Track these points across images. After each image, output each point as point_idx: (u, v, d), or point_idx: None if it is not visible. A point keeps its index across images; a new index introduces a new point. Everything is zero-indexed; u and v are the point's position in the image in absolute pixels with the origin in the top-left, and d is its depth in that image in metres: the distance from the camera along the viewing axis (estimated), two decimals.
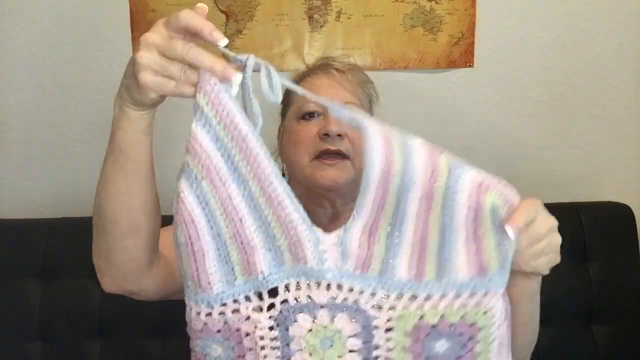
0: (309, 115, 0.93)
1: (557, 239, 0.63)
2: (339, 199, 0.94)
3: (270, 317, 0.60)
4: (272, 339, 0.60)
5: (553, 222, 0.62)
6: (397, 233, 0.59)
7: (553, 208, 0.63)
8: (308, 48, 1.35)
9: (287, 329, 0.60)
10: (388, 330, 0.59)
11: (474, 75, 1.38)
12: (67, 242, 1.26)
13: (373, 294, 0.59)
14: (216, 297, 0.60)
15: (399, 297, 0.59)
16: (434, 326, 0.58)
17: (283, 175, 1.02)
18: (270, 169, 0.59)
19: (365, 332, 0.59)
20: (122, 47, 1.35)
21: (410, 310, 0.58)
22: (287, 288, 0.60)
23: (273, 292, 0.60)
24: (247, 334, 0.60)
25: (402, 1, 1.34)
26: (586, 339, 1.23)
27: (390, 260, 0.59)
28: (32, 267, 1.25)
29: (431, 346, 0.59)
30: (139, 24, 1.34)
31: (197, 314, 0.62)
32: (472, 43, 1.36)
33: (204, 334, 0.62)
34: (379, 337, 0.59)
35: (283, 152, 1.00)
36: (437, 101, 1.39)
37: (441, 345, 0.59)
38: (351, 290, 0.59)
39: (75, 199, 1.41)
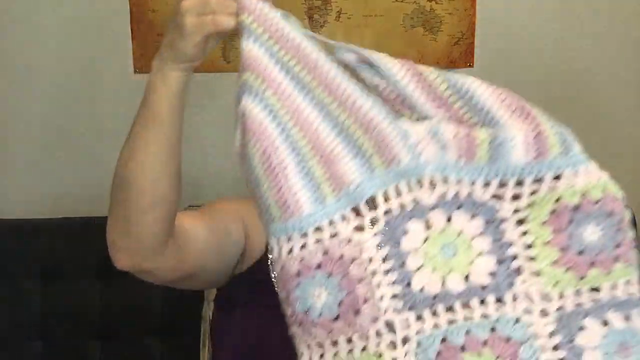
0: None
1: None
2: None
3: (375, 235, 0.49)
4: (383, 260, 0.49)
5: None
6: (491, 116, 0.50)
7: None
8: None
9: (398, 244, 0.49)
10: (520, 222, 0.48)
11: (474, 75, 1.37)
12: (67, 242, 1.26)
13: (487, 184, 0.49)
14: (308, 219, 0.49)
15: (520, 182, 0.48)
16: (576, 207, 0.48)
17: None
18: (334, 70, 0.51)
19: (492, 227, 0.48)
20: (122, 47, 1.35)
21: (540, 194, 0.48)
22: (386, 196, 0.49)
23: (371, 205, 0.50)
24: (353, 260, 0.49)
25: (402, 1, 1.34)
26: None
27: (499, 142, 0.49)
28: (32, 267, 1.25)
29: (579, 235, 0.48)
30: (139, 24, 1.34)
31: (288, 252, 0.50)
32: (472, 43, 1.36)
33: (303, 276, 0.49)
34: (510, 231, 0.48)
35: None
36: None
37: (592, 232, 0.48)
38: (459, 182, 0.49)
39: (75, 199, 1.41)
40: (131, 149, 0.71)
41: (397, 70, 0.52)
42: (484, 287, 0.47)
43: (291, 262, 0.50)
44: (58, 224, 1.29)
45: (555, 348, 0.47)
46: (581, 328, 0.47)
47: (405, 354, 0.48)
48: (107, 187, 1.46)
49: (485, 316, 0.47)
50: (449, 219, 0.48)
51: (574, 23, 1.37)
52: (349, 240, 0.49)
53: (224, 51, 1.35)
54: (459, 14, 1.34)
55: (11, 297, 1.24)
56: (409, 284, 0.48)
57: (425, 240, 0.48)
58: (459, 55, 1.36)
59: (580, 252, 0.47)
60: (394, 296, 0.48)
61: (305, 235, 0.50)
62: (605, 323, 0.47)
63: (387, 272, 0.48)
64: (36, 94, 1.37)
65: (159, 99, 0.69)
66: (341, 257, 0.49)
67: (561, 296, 0.47)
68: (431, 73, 0.53)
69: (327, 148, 0.50)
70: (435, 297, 0.47)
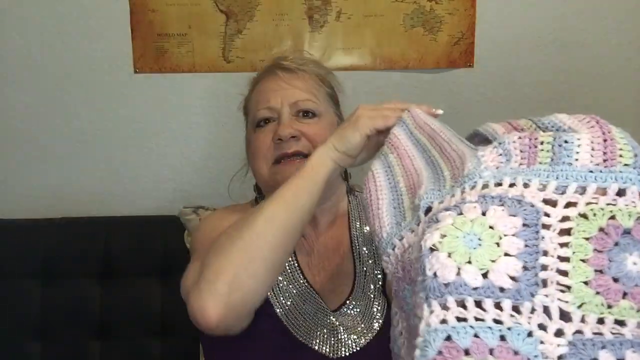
0: (264, 122, 0.91)
1: None
2: None
3: (419, 233, 0.50)
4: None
5: None
6: (557, 121, 0.48)
7: None
8: (308, 48, 1.35)
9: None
10: (564, 232, 0.44)
11: (474, 75, 1.38)
12: (67, 242, 1.26)
13: (543, 187, 0.45)
14: (387, 239, 0.54)
15: (582, 190, 0.45)
16: (627, 231, 0.43)
17: (256, 187, 1.00)
18: (446, 131, 0.62)
19: (529, 231, 0.44)
20: (122, 47, 1.35)
21: (597, 206, 0.44)
22: (440, 201, 0.50)
23: (427, 212, 0.51)
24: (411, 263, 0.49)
25: (402, 1, 1.34)
26: None
27: (564, 144, 0.46)
28: (32, 267, 1.25)
29: (620, 262, 0.43)
30: (139, 24, 1.34)
31: (392, 260, 0.54)
32: (472, 43, 1.36)
33: (399, 283, 0.52)
34: (549, 239, 0.43)
35: (249, 163, 0.98)
36: (437, 101, 1.39)
37: (632, 262, 0.43)
38: (512, 185, 0.46)
39: (75, 199, 1.41)
40: (292, 202, 0.74)
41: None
42: (502, 290, 0.42)
43: (395, 270, 0.54)
44: (58, 224, 1.29)
45: None
46: (594, 359, 0.42)
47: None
48: (107, 187, 1.47)
49: (497, 321, 0.42)
50: (484, 213, 0.44)
51: (574, 23, 1.37)
52: (409, 247, 0.51)
53: (224, 51, 1.35)
54: (459, 14, 1.34)
55: (11, 297, 1.24)
56: (424, 272, 0.44)
57: (452, 223, 0.44)
58: (459, 55, 1.36)
59: (616, 279, 0.43)
60: (411, 281, 0.46)
61: (386, 253, 0.54)
62: None
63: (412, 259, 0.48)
64: (36, 94, 1.37)
65: (314, 173, 0.75)
66: (408, 267, 0.49)
67: (583, 320, 0.43)
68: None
69: (417, 178, 0.57)
70: (446, 286, 0.42)
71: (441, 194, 0.51)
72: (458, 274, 0.42)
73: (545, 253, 0.43)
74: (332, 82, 0.99)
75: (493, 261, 0.42)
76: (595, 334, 0.42)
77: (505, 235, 0.43)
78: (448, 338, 0.41)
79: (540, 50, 1.37)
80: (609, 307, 0.42)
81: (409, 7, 1.34)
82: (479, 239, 0.43)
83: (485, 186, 0.47)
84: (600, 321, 0.42)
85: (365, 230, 0.95)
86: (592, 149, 0.46)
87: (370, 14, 1.35)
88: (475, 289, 0.42)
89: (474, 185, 0.47)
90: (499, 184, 0.46)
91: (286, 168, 0.87)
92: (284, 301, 0.87)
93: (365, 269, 0.91)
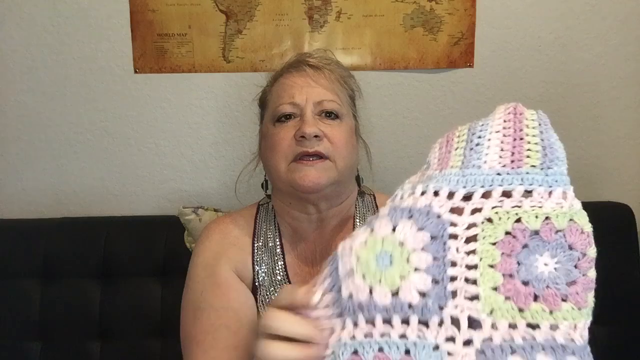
0: (285, 118, 0.90)
1: None
2: (324, 202, 0.91)
3: None
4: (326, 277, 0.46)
5: None
6: (480, 121, 0.48)
7: None
8: (308, 48, 1.35)
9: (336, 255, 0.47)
10: (470, 239, 0.43)
11: (474, 75, 1.38)
12: (67, 242, 1.26)
13: (451, 195, 0.44)
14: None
15: (487, 193, 0.44)
16: (534, 232, 0.42)
17: (265, 182, 1.01)
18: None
19: (437, 243, 0.43)
20: (122, 47, 1.35)
21: (502, 210, 0.43)
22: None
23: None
24: None
25: (402, 1, 1.34)
26: None
27: (475, 147, 0.46)
28: (32, 267, 1.25)
29: (529, 264, 0.42)
30: (139, 24, 1.34)
31: None
32: (472, 43, 1.36)
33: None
34: (455, 250, 0.43)
35: (262, 157, 0.96)
36: (437, 101, 1.39)
37: (543, 264, 0.42)
38: (423, 193, 0.45)
39: (75, 199, 1.41)
40: None
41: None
42: (410, 306, 0.43)
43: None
44: (58, 224, 1.29)
45: None
46: None
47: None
48: (107, 187, 1.47)
49: (403, 336, 0.43)
50: (394, 228, 0.44)
51: (574, 23, 1.37)
52: None
53: (224, 51, 1.35)
54: (459, 14, 1.34)
55: (11, 297, 1.24)
56: (339, 290, 0.45)
57: (364, 243, 0.44)
58: (459, 55, 1.36)
59: (526, 283, 0.42)
60: (330, 304, 0.45)
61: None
62: None
63: (325, 279, 0.46)
64: (36, 94, 1.37)
65: None
66: None
67: (494, 326, 0.42)
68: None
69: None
70: (359, 306, 0.43)
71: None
72: (370, 293, 0.43)
73: (453, 264, 0.43)
74: (353, 86, 0.98)
75: (403, 278, 0.43)
76: (506, 339, 0.42)
77: (414, 251, 0.43)
78: (355, 352, 0.43)
79: (541, 50, 1.37)
80: (520, 311, 0.42)
81: (409, 7, 1.34)
82: (391, 257, 0.43)
83: (399, 198, 0.46)
84: (513, 326, 0.42)
85: None
86: (501, 150, 0.45)
87: (370, 14, 1.35)
88: (384, 307, 0.43)
89: (394, 197, 0.47)
90: (412, 193, 0.46)
91: (304, 167, 0.85)
92: None
93: None
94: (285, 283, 0.90)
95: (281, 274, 0.91)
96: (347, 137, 0.90)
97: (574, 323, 0.43)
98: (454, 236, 0.43)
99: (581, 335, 0.43)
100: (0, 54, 1.36)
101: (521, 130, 0.47)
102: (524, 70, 1.38)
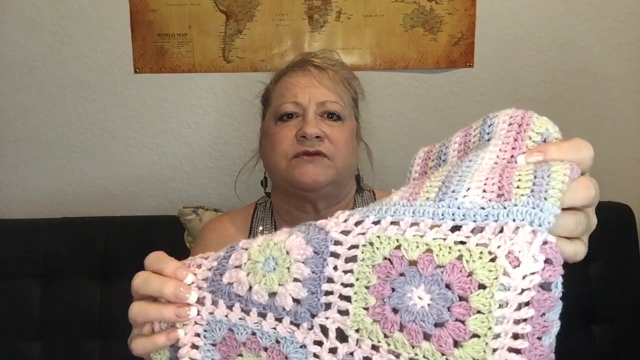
0: (287, 117, 0.90)
1: (594, 220, 0.45)
2: (322, 201, 0.91)
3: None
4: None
5: (596, 189, 0.44)
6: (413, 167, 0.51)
7: None
8: (308, 48, 1.35)
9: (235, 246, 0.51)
10: (349, 260, 0.45)
11: (474, 75, 1.38)
12: (67, 242, 1.26)
13: (346, 220, 0.46)
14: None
15: (377, 221, 0.44)
16: (412, 262, 0.41)
17: (265, 180, 1.01)
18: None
19: (317, 258, 0.46)
20: (122, 47, 1.35)
21: (385, 234, 0.43)
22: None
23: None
24: None
25: (402, 1, 1.34)
26: (586, 338, 1.23)
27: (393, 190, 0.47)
28: (32, 267, 1.25)
29: (403, 294, 0.41)
30: (139, 24, 1.34)
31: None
32: (472, 43, 1.36)
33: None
34: (332, 267, 0.45)
35: (263, 154, 0.97)
36: (437, 101, 1.39)
37: (417, 297, 0.40)
38: (345, 220, 0.47)
39: (75, 199, 1.41)
40: None
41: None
42: (284, 309, 0.47)
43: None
44: (58, 224, 1.29)
45: None
46: None
47: (195, 324, 0.50)
48: (107, 187, 1.46)
49: (275, 329, 0.47)
50: (289, 236, 0.48)
51: (574, 23, 1.37)
52: None
53: (224, 51, 1.35)
54: (459, 14, 1.34)
55: (11, 297, 1.24)
56: (221, 275, 0.49)
57: (259, 245, 0.48)
58: (459, 55, 1.36)
59: (396, 311, 0.42)
60: (205, 279, 0.51)
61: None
62: None
63: (206, 257, 0.52)
64: (36, 94, 1.37)
65: None
66: None
67: (357, 343, 0.44)
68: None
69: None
70: (237, 295, 0.48)
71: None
72: (249, 290, 0.47)
73: (330, 280, 0.45)
74: (356, 88, 0.98)
75: (281, 285, 0.46)
76: (365, 358, 0.43)
77: (296, 261, 0.46)
78: (230, 330, 0.49)
79: (540, 50, 1.37)
80: (385, 336, 0.42)
81: (409, 7, 1.34)
82: (276, 263, 0.47)
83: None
84: (375, 348, 0.43)
85: None
86: (403, 189, 0.45)
87: (370, 14, 1.35)
88: (260, 304, 0.47)
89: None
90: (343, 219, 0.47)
91: (304, 163, 0.85)
92: None
93: None
94: None
95: None
96: (348, 139, 0.90)
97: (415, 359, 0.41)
98: (335, 254, 0.45)
99: None
100: (0, 54, 1.36)
101: (428, 164, 0.49)
102: (524, 70, 1.38)
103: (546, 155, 0.42)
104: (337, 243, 0.45)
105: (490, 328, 0.38)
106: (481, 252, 0.38)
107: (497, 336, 0.38)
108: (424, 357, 0.41)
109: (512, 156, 0.44)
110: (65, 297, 1.24)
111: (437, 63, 1.36)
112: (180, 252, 1.29)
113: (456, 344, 0.39)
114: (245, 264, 0.48)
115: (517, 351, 0.38)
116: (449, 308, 0.39)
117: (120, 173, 1.40)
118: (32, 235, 1.27)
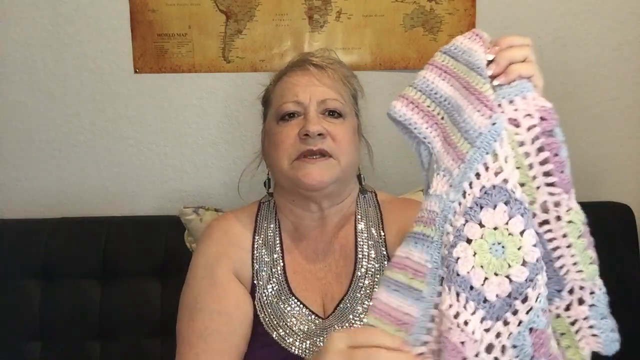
0: (288, 116, 0.90)
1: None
2: (326, 200, 0.91)
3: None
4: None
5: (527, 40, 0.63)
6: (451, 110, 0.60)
7: None
8: (308, 48, 1.35)
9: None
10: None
11: None
12: (67, 242, 1.26)
13: (486, 167, 0.57)
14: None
15: (494, 154, 0.57)
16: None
17: (268, 181, 1.01)
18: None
19: (526, 217, 0.55)
20: (122, 47, 1.35)
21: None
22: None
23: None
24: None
25: (402, 1, 1.34)
26: None
27: (466, 130, 0.58)
28: (32, 267, 1.25)
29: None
30: (139, 24, 1.34)
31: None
32: None
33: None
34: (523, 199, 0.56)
35: (266, 155, 0.97)
36: None
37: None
38: (471, 184, 0.56)
39: (75, 199, 1.41)
40: None
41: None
42: (537, 260, 0.52)
43: None
44: (58, 224, 1.29)
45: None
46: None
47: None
48: (107, 187, 1.46)
49: (544, 287, 0.53)
50: (507, 221, 0.54)
51: (574, 23, 1.37)
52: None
53: (224, 51, 1.35)
54: (459, 14, 1.34)
55: (11, 297, 1.24)
56: (485, 300, 0.52)
57: (481, 236, 0.53)
58: None
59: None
60: (483, 319, 0.52)
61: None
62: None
63: (465, 305, 0.53)
64: (36, 94, 1.37)
65: None
66: None
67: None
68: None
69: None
70: (509, 295, 0.51)
71: (435, 245, 0.56)
72: (511, 282, 0.52)
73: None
74: (355, 85, 0.99)
75: (520, 248, 0.52)
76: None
77: (523, 231, 0.53)
78: (531, 330, 0.52)
79: (540, 50, 1.36)
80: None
81: (409, 7, 1.34)
82: (502, 245, 0.53)
83: (459, 204, 0.55)
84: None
85: (373, 231, 0.95)
86: (479, 111, 0.57)
87: (370, 14, 1.35)
88: (527, 278, 0.52)
89: (454, 211, 0.56)
90: (465, 194, 0.55)
91: (308, 165, 0.86)
92: (299, 344, 0.85)
93: (365, 270, 0.90)
94: (282, 281, 0.90)
95: (280, 271, 0.91)
96: (350, 136, 0.91)
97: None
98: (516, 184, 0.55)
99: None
100: (0, 54, 1.36)
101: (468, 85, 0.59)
102: None
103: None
104: (506, 181, 0.55)
105: (527, 175, 0.56)
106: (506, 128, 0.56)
107: (534, 178, 0.56)
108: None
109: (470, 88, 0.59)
110: (65, 297, 1.24)
111: None
112: (181, 252, 1.29)
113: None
114: (486, 275, 0.52)
115: (551, 184, 0.55)
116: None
117: (120, 173, 1.40)
118: (32, 235, 1.27)
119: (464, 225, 0.53)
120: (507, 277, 0.52)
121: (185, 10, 1.33)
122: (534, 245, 0.52)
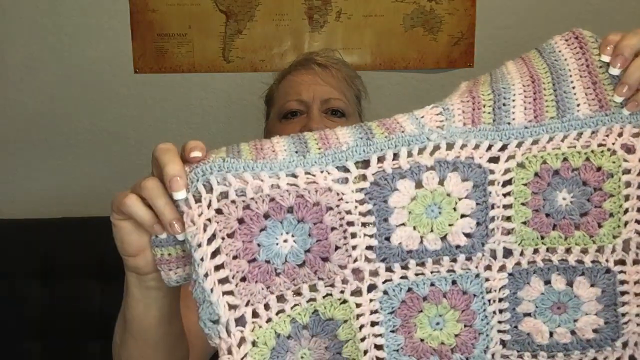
0: (291, 114, 0.90)
1: None
2: None
3: (359, 190, 0.49)
4: (363, 214, 0.49)
5: None
6: (500, 83, 0.55)
7: None
8: (308, 48, 1.35)
9: (384, 201, 0.49)
10: (506, 183, 0.51)
11: (474, 75, 1.37)
12: (67, 242, 1.26)
13: (490, 147, 0.51)
14: (282, 163, 0.48)
15: (519, 145, 0.51)
16: (556, 172, 0.51)
17: None
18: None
19: (479, 191, 0.50)
20: (122, 47, 1.35)
21: (531, 154, 0.51)
22: (381, 159, 0.49)
23: (361, 165, 0.49)
24: (329, 209, 0.48)
25: (402, 1, 1.34)
26: None
27: (503, 106, 0.53)
28: (32, 267, 1.25)
29: (552, 199, 0.51)
30: (139, 24, 1.34)
31: (257, 190, 0.46)
32: (472, 43, 1.36)
33: (270, 219, 0.47)
34: (495, 193, 0.50)
35: None
36: (437, 101, 1.39)
37: (562, 198, 0.51)
38: (464, 146, 0.51)
39: (75, 199, 1.41)
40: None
41: None
42: (457, 247, 0.50)
43: (259, 203, 0.47)
44: (58, 224, 1.29)
45: (501, 300, 0.53)
46: (527, 283, 0.53)
47: (370, 301, 0.50)
48: (106, 187, 1.46)
49: (450, 271, 0.51)
50: (442, 180, 0.50)
51: (574, 23, 1.36)
52: (329, 190, 0.48)
53: (224, 51, 1.35)
54: (459, 14, 1.34)
55: (11, 297, 1.24)
56: (387, 239, 0.50)
57: (413, 199, 0.50)
58: (459, 55, 1.36)
59: (548, 215, 0.51)
60: (369, 247, 0.50)
61: (277, 176, 0.47)
62: (548, 282, 0.53)
63: (365, 224, 0.49)
64: (36, 94, 1.37)
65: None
66: (317, 204, 0.48)
67: (521, 253, 0.52)
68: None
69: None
70: (409, 252, 0.50)
71: (375, 147, 0.49)
72: (421, 242, 0.50)
73: (493, 205, 0.51)
74: (359, 86, 0.99)
75: (451, 225, 0.50)
76: (530, 262, 0.52)
77: (460, 199, 0.50)
78: (409, 290, 0.51)
79: None
80: (542, 238, 0.52)
81: (409, 7, 1.34)
82: (439, 208, 0.50)
83: (436, 148, 0.50)
84: (535, 252, 0.52)
85: None
86: (525, 108, 0.52)
87: (370, 14, 1.35)
88: (434, 251, 0.51)
89: (423, 147, 0.50)
90: (451, 146, 0.50)
91: None
92: None
93: None
94: None
95: None
96: None
97: (585, 248, 0.52)
98: (492, 182, 0.51)
99: (591, 260, 0.52)
100: (0, 54, 1.36)
101: (539, 86, 0.54)
102: None
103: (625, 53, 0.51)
104: (491, 171, 0.51)
105: (621, 205, 0.51)
106: (602, 151, 0.51)
107: (626, 211, 0.51)
108: (575, 244, 0.52)
109: (590, 73, 0.53)
110: (65, 297, 1.24)
111: (437, 63, 1.36)
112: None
113: (599, 225, 0.51)
114: (406, 221, 0.50)
115: None
116: (588, 199, 0.51)
117: (120, 173, 1.40)
118: (32, 235, 1.27)
119: (417, 169, 0.49)
120: (422, 237, 0.50)
121: (185, 10, 1.33)
122: (466, 219, 0.50)
